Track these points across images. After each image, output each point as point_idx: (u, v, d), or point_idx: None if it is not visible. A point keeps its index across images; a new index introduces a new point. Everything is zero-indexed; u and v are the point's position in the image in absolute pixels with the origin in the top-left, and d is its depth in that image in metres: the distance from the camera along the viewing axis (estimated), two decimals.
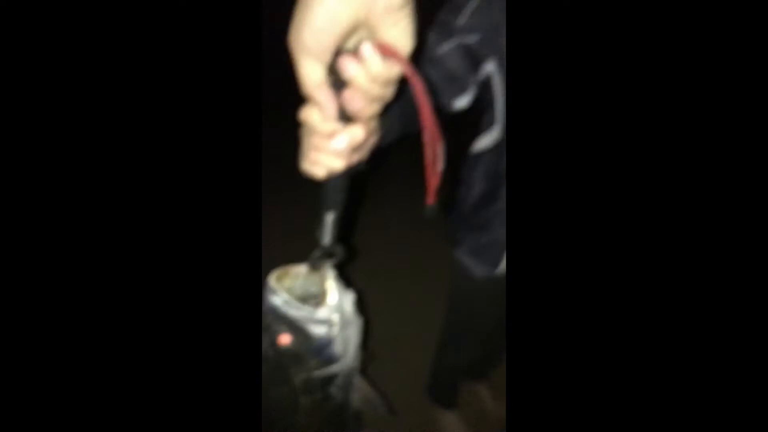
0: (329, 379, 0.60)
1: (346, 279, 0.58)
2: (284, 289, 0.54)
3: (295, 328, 0.54)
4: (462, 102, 0.85)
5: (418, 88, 0.42)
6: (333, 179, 0.50)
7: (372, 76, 0.41)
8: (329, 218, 0.52)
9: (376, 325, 1.04)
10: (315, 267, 0.55)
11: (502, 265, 1.06)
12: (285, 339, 0.54)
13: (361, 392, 0.67)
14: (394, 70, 0.41)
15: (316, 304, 0.55)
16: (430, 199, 0.49)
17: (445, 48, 0.80)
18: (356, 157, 0.50)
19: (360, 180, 0.55)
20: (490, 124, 0.94)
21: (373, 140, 0.52)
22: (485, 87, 0.87)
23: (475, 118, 0.97)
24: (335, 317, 0.55)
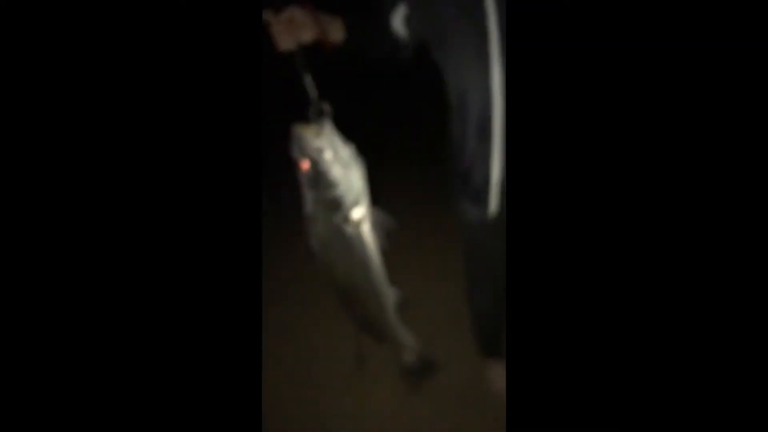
0: (338, 204, 0.95)
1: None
2: (302, 136, 0.93)
3: (311, 159, 0.93)
4: None
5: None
6: (297, 53, 0.89)
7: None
8: (307, 78, 0.91)
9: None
10: (316, 121, 0.93)
11: (493, 207, 1.12)
12: (305, 165, 0.93)
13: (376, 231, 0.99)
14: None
15: (320, 148, 0.92)
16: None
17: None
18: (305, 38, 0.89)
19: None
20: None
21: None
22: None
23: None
24: (330, 153, 0.92)
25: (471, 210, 1.17)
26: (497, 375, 1.65)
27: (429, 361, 1.15)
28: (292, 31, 0.90)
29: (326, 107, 0.92)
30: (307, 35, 0.92)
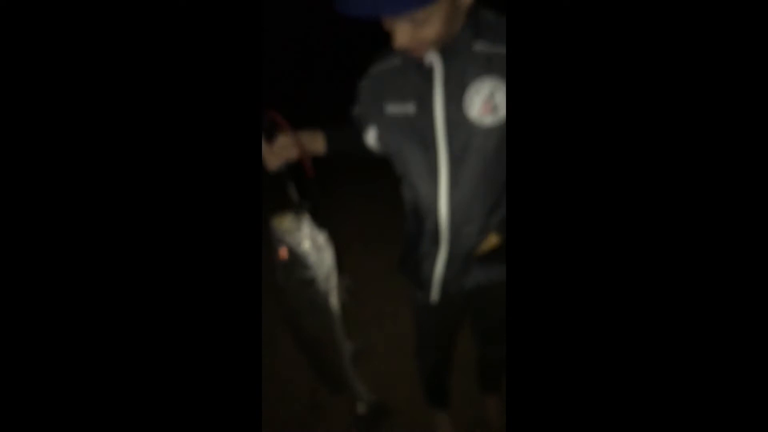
0: (311, 281, 1.08)
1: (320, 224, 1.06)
2: (281, 228, 1.03)
3: (289, 247, 1.04)
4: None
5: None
6: (283, 170, 1.02)
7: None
8: (291, 186, 1.01)
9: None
10: (297, 215, 1.04)
11: (434, 296, 1.27)
12: (283, 253, 1.04)
13: (338, 294, 1.14)
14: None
15: (299, 237, 1.04)
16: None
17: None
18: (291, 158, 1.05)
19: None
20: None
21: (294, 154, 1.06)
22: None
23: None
24: (308, 243, 1.04)
25: (417, 294, 1.32)
26: (442, 423, 1.84)
27: (381, 409, 1.33)
28: (280, 155, 1.06)
29: (306, 204, 1.03)
30: (293, 155, 1.08)
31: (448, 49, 0.96)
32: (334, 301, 1.13)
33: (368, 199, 3.50)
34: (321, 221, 1.07)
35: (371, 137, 1.18)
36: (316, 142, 1.18)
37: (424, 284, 1.25)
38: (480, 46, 0.96)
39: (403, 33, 0.87)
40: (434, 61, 0.98)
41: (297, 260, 1.05)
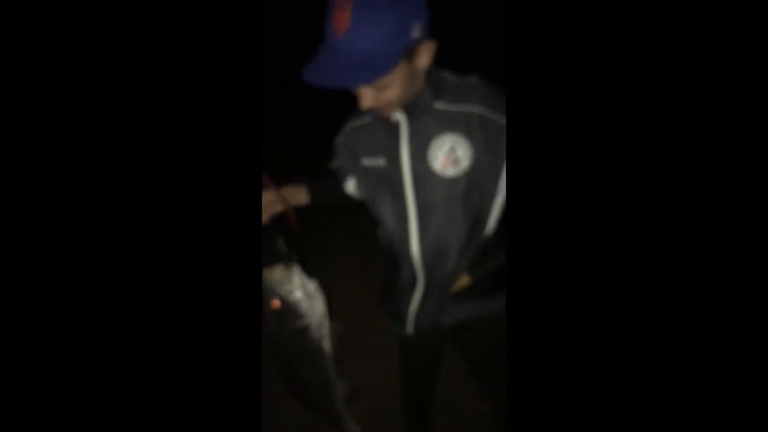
0: (304, 330, 1.10)
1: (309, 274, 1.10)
2: (272, 280, 1.06)
3: (281, 298, 1.07)
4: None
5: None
6: (268, 224, 1.07)
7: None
8: (278, 239, 1.05)
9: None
10: (286, 266, 1.07)
11: (409, 329, 1.32)
12: (275, 304, 1.07)
13: (332, 340, 1.17)
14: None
15: (291, 289, 1.07)
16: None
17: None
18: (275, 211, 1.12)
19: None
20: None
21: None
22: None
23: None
24: (300, 292, 1.07)
25: (396, 325, 1.38)
26: None
27: None
28: (265, 210, 1.13)
29: (295, 257, 1.07)
30: (276, 208, 1.15)
31: (411, 108, 1.05)
32: (326, 346, 1.16)
33: (359, 235, 3.52)
34: (309, 270, 1.10)
35: (351, 186, 1.27)
36: (299, 195, 1.24)
37: (401, 318, 1.31)
38: (440, 105, 1.06)
39: (367, 97, 0.96)
40: (400, 119, 1.07)
41: (289, 310, 1.08)
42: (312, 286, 1.10)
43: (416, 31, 0.88)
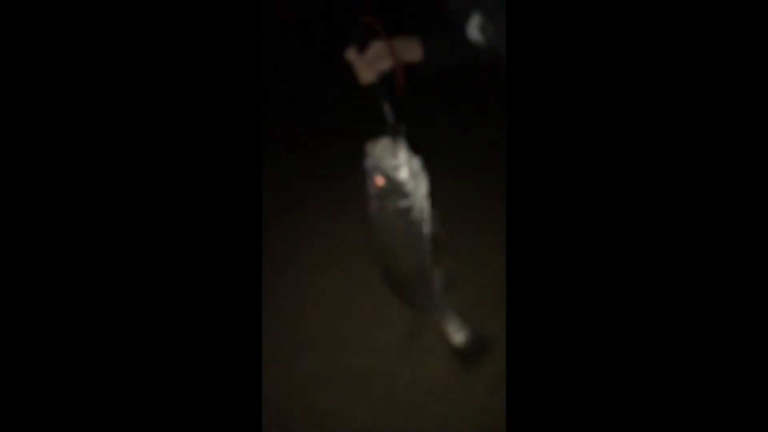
0: (407, 211, 1.04)
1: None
2: (377, 154, 0.98)
3: (386, 175, 0.99)
4: None
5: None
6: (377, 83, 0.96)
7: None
8: (386, 105, 0.95)
9: None
10: (393, 139, 0.98)
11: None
12: (380, 181, 1.00)
13: (432, 225, 1.10)
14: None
15: (396, 165, 0.99)
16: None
17: None
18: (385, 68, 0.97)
19: None
20: None
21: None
22: None
23: None
24: (405, 169, 0.99)
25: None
26: None
27: (480, 339, 1.27)
28: (373, 65, 0.97)
29: (401, 128, 0.98)
30: (387, 65, 0.98)
31: None
32: (427, 230, 1.09)
33: None
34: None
35: (474, 29, 1.08)
36: (413, 51, 1.06)
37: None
38: None
39: None
40: None
41: (394, 188, 1.00)
42: (416, 163, 1.02)
43: None
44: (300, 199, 2.50)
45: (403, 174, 0.99)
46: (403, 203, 1.03)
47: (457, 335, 1.23)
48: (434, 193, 1.05)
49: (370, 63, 0.98)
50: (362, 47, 0.98)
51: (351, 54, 0.97)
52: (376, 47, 0.98)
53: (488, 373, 1.56)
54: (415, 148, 1.01)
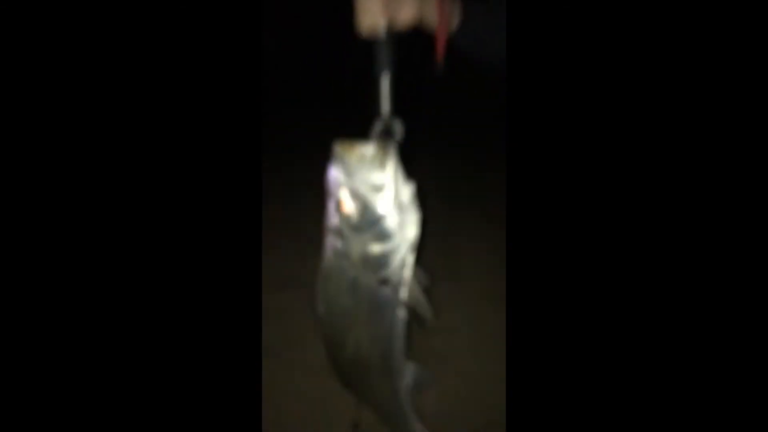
0: (385, 260, 0.67)
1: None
2: (351, 161, 0.62)
3: (359, 197, 0.63)
4: None
5: None
6: (381, 40, 0.61)
7: None
8: (385, 81, 0.61)
9: None
10: (380, 144, 0.63)
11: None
12: (348, 205, 0.63)
13: (411, 291, 0.73)
14: None
15: (380, 181, 0.63)
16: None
17: None
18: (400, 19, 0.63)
19: None
20: None
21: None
22: None
23: None
24: (391, 196, 0.63)
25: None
26: None
27: None
28: (389, 6, 0.61)
29: (398, 126, 0.63)
30: (405, 15, 0.63)
31: None
32: (404, 298, 0.72)
33: None
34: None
35: None
36: (452, 13, 0.73)
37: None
38: None
39: None
40: None
41: (369, 222, 0.64)
42: (408, 191, 0.66)
43: None
44: (300, 199, 2.27)
45: (385, 201, 0.63)
46: (375, 248, 0.66)
47: None
48: (424, 239, 0.69)
49: (386, 2, 0.62)
50: None
51: None
52: None
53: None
54: (410, 166, 0.66)
